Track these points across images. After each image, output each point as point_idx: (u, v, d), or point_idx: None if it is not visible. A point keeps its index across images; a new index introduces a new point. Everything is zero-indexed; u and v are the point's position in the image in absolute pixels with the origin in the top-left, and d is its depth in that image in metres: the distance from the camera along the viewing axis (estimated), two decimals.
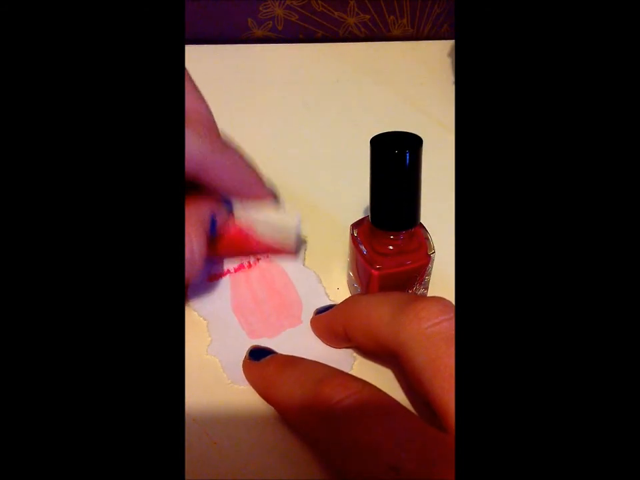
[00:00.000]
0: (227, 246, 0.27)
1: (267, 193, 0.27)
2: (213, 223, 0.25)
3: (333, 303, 0.28)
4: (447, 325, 0.20)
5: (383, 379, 0.25)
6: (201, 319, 0.28)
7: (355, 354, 0.26)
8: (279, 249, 0.28)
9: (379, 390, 0.20)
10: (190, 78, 0.25)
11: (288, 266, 0.30)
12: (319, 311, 0.27)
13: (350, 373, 0.24)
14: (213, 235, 0.25)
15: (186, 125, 0.23)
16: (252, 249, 0.28)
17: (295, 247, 0.28)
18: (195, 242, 0.23)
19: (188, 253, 0.23)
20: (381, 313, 0.22)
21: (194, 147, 0.23)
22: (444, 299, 0.21)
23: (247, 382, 0.25)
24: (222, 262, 0.30)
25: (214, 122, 0.25)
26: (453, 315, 0.21)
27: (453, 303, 0.21)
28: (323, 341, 0.27)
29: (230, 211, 0.26)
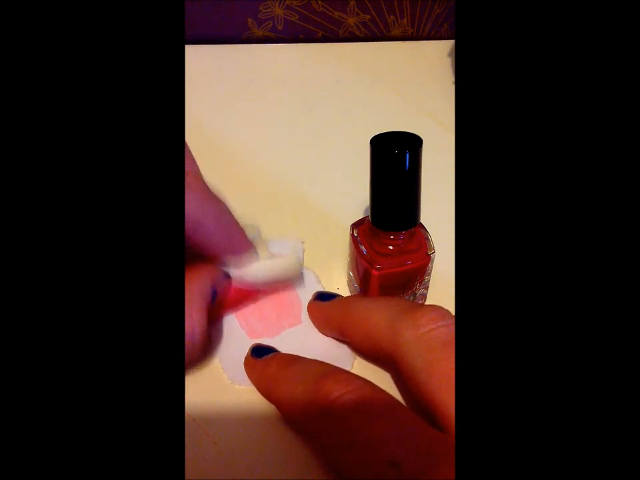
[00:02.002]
0: (228, 307, 0.27)
1: (250, 245, 0.26)
2: (214, 294, 0.25)
3: (333, 292, 0.28)
4: (445, 330, 0.20)
5: (383, 379, 0.25)
6: None
7: (354, 353, 0.26)
8: (284, 287, 0.29)
9: (379, 387, 0.21)
10: None
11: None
12: (318, 297, 0.27)
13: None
14: (213, 304, 0.25)
15: (185, 187, 0.22)
16: (256, 299, 0.28)
17: (300, 278, 0.29)
18: (196, 320, 0.23)
19: (189, 336, 0.23)
20: (380, 318, 0.23)
21: (192, 206, 0.22)
22: (442, 308, 0.22)
23: (246, 382, 0.25)
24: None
25: (202, 179, 0.25)
26: (451, 322, 0.21)
27: (453, 302, 0.21)
28: (315, 326, 0.27)
29: (227, 276, 0.26)
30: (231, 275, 0.26)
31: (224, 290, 0.26)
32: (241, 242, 0.26)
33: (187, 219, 0.22)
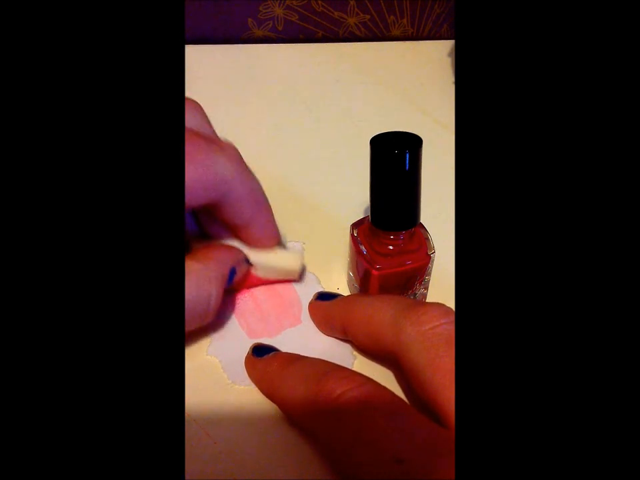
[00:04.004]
0: (240, 287, 0.28)
1: (277, 235, 0.27)
2: (232, 275, 0.25)
3: (334, 292, 0.28)
4: (447, 328, 0.20)
5: (383, 379, 0.25)
6: None
7: (355, 353, 0.26)
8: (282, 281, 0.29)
9: (381, 385, 0.21)
10: (206, 117, 0.25)
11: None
12: (319, 297, 0.27)
13: None
14: (230, 284, 0.26)
15: (218, 148, 0.23)
16: (255, 285, 0.29)
17: (299, 276, 0.29)
18: (214, 295, 0.24)
19: (204, 304, 0.24)
20: (382, 315, 0.23)
21: (226, 169, 0.23)
22: (445, 305, 0.22)
23: (247, 382, 0.25)
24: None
25: (240, 154, 0.25)
26: (453, 319, 0.21)
27: (453, 302, 0.21)
28: (316, 326, 0.27)
29: (248, 261, 0.27)
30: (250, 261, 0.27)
31: (242, 273, 0.26)
32: (268, 218, 0.26)
33: (218, 181, 0.23)
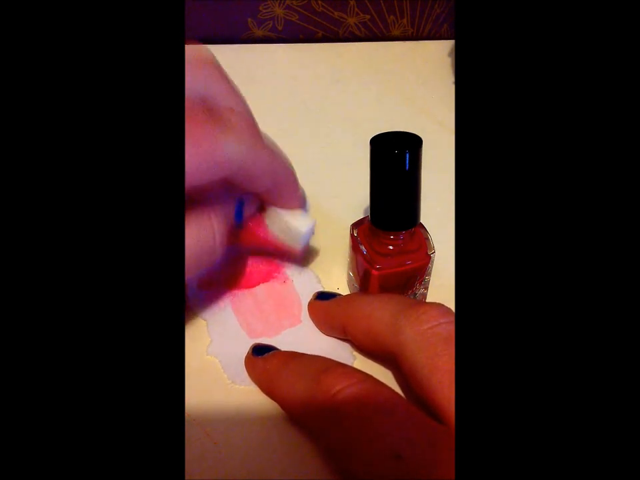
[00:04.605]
0: (247, 238, 0.27)
1: (300, 200, 0.26)
2: (241, 208, 0.24)
3: (334, 292, 0.28)
4: (446, 327, 0.21)
5: (383, 378, 0.25)
6: (201, 319, 0.28)
7: (355, 352, 0.27)
8: (285, 250, 0.28)
9: (380, 381, 0.21)
10: (227, 78, 0.24)
11: (287, 266, 0.30)
12: (319, 296, 0.27)
13: None
14: (239, 223, 0.25)
15: (225, 127, 0.21)
16: (263, 244, 0.28)
17: (301, 252, 0.28)
18: (217, 229, 0.23)
19: (210, 240, 0.23)
20: (381, 315, 0.23)
21: (234, 150, 0.21)
22: (444, 305, 0.22)
23: (247, 382, 0.25)
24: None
25: (254, 122, 0.24)
26: (452, 319, 0.21)
27: (453, 302, 0.21)
28: (316, 325, 0.27)
29: (260, 206, 0.26)
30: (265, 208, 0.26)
31: (252, 214, 0.26)
32: (289, 187, 0.25)
33: (225, 162, 0.21)
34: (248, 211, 0.25)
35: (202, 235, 0.22)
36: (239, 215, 0.25)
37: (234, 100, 0.23)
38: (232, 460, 0.23)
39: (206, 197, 0.23)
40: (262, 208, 0.26)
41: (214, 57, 0.23)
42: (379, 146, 0.22)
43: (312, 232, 0.28)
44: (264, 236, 0.27)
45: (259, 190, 0.24)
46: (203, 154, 0.20)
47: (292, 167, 0.25)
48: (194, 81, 0.21)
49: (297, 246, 0.27)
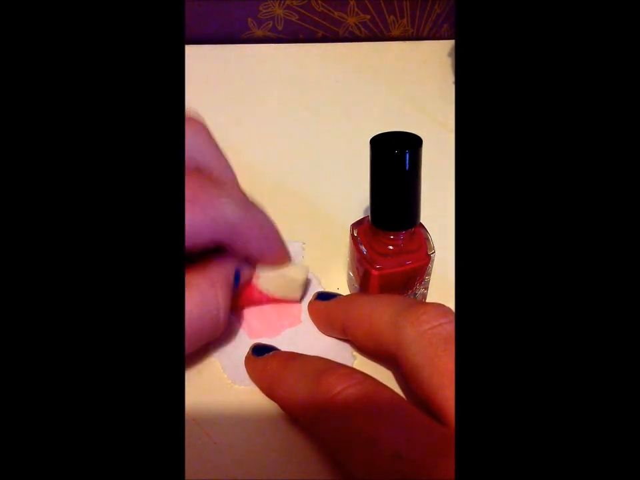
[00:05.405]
0: (244, 300, 0.28)
1: (287, 256, 0.27)
2: (237, 277, 0.25)
3: (334, 292, 0.28)
4: (446, 328, 0.21)
5: (383, 378, 0.25)
6: None
7: (355, 353, 0.27)
8: (285, 301, 0.29)
9: (381, 382, 0.21)
10: (215, 142, 0.25)
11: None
12: (319, 297, 0.27)
13: None
14: (236, 288, 0.25)
15: (222, 189, 0.23)
16: (260, 302, 0.28)
17: (302, 290, 0.29)
18: (221, 296, 0.23)
19: (214, 310, 0.23)
20: (381, 315, 0.23)
21: (232, 210, 0.23)
22: (444, 305, 0.22)
23: (247, 382, 0.25)
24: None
25: (238, 183, 0.25)
26: (452, 319, 0.21)
27: (453, 302, 0.21)
28: (316, 325, 0.27)
29: (251, 265, 0.26)
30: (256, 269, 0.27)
31: (247, 276, 0.26)
32: (278, 249, 0.26)
33: (222, 223, 0.22)
34: (243, 277, 0.26)
35: (205, 309, 0.23)
36: (236, 282, 0.25)
37: (223, 163, 0.25)
38: (232, 460, 0.23)
39: (207, 266, 0.24)
40: (253, 272, 0.27)
41: (204, 121, 0.25)
42: (379, 146, 0.22)
43: (311, 280, 0.29)
44: (261, 297, 0.28)
45: (253, 252, 0.25)
46: (203, 213, 0.22)
47: (275, 224, 0.26)
48: (187, 145, 0.23)
49: (297, 296, 0.28)
